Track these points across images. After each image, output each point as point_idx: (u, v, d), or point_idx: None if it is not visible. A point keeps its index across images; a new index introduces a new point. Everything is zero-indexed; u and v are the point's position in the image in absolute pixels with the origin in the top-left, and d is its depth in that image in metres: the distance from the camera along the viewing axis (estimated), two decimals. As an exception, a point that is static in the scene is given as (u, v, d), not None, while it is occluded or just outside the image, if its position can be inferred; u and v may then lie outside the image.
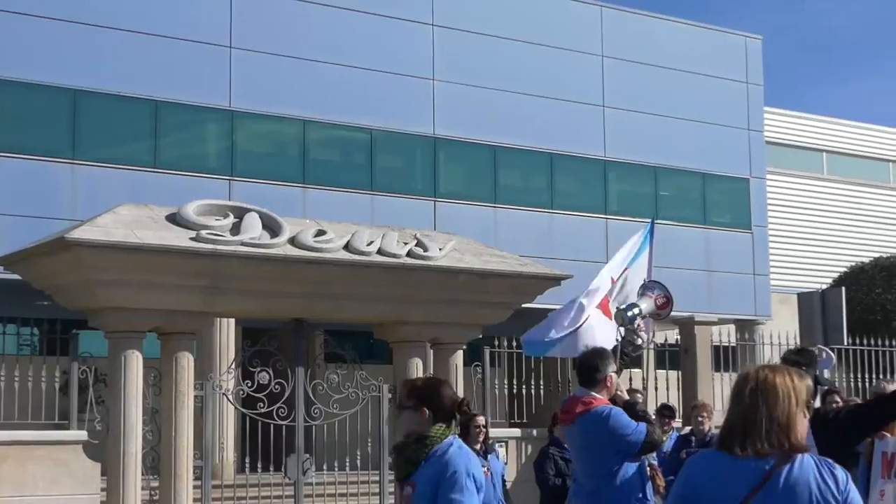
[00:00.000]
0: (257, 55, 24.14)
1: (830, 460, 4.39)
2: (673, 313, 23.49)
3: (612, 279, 10.89)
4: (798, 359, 8.31)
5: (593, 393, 8.07)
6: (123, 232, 12.84)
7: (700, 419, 12.83)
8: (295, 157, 24.92)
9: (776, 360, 20.07)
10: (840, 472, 4.35)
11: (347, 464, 15.57)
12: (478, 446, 11.66)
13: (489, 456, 11.94)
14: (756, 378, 4.50)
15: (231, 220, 13.79)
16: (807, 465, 4.34)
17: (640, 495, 8.04)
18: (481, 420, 11.95)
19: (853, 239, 38.40)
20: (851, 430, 8.18)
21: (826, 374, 18.06)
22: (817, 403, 9.04)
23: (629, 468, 8.00)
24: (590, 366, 8.21)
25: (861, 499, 4.35)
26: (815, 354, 8.55)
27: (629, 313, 9.19)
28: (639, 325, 9.12)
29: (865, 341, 20.72)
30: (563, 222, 27.47)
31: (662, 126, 29.02)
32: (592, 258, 26.35)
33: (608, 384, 8.11)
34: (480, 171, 26.99)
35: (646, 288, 9.99)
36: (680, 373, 19.08)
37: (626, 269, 10.96)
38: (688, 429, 13.60)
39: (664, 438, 12.95)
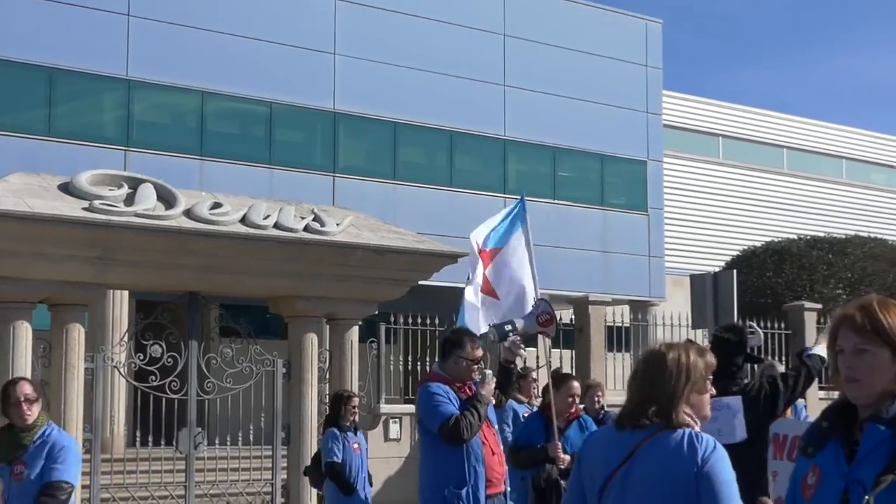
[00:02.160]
0: (156, 24, 23.83)
1: (704, 435, 4.45)
2: (568, 293, 23.63)
3: (477, 244, 10.77)
4: (729, 336, 8.36)
5: (438, 370, 8.19)
6: (13, 200, 12.60)
7: (595, 398, 12.94)
8: (193, 129, 24.67)
9: (671, 341, 20.34)
10: (704, 444, 4.35)
11: (240, 438, 15.49)
12: (348, 423, 12.23)
13: (359, 433, 12.37)
14: (650, 354, 4.59)
15: (125, 190, 13.59)
16: (675, 437, 4.39)
17: (456, 477, 7.86)
18: (356, 401, 12.66)
19: (746, 223, 39.03)
20: (766, 406, 8.32)
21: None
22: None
23: (443, 447, 7.86)
24: (444, 339, 8.37)
25: (728, 473, 4.38)
26: (745, 330, 8.59)
27: (505, 328, 9.03)
28: (514, 342, 8.90)
29: (755, 324, 21.10)
30: (463, 200, 27.53)
31: (562, 107, 29.21)
32: (490, 237, 26.39)
33: (456, 365, 8.07)
34: (380, 148, 26.95)
35: (534, 307, 9.85)
36: (574, 352, 19.24)
37: (499, 248, 10.84)
38: (581, 407, 13.71)
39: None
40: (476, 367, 8.09)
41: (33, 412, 7.19)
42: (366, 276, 15.08)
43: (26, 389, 7.31)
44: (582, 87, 29.53)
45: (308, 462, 13.65)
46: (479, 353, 8.12)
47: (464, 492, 7.80)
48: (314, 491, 14.78)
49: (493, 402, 8.20)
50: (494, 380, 8.16)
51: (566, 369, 18.86)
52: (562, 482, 9.53)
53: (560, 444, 9.67)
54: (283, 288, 14.76)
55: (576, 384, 10.44)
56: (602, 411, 12.80)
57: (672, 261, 33.12)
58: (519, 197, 11.32)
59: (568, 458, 9.46)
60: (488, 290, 10.59)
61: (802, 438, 3.77)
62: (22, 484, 7.04)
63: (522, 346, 8.73)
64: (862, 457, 3.48)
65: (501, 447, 8.24)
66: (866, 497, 3.34)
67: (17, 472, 7.07)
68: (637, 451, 4.41)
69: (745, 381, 8.65)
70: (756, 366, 10.27)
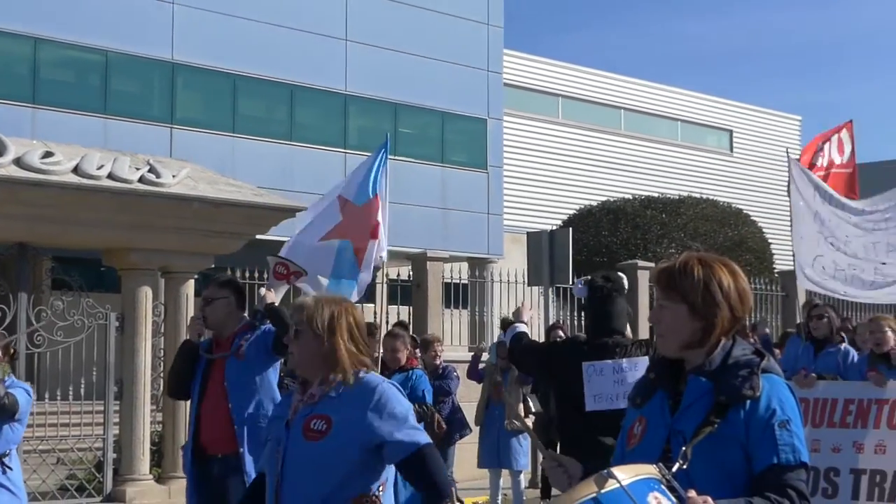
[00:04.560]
0: (-14, -33, 23.07)
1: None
2: (406, 248, 23.65)
3: (340, 196, 10.85)
4: (608, 285, 7.92)
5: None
6: None
7: (434, 353, 13.03)
8: (25, 76, 23.99)
9: (508, 298, 20.54)
10: (379, 387, 4.68)
11: (71, 393, 15.18)
12: None
13: None
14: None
15: (-48, 137, 13.20)
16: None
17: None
18: None
19: (583, 182, 39.58)
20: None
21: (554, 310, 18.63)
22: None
23: None
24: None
25: (402, 405, 4.69)
26: (622, 280, 8.23)
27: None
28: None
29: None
30: (302, 155, 27.37)
31: (404, 63, 29.19)
32: (330, 192, 26.29)
33: None
34: (219, 100, 26.59)
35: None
36: (411, 308, 19.30)
37: (378, 194, 10.94)
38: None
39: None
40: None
41: None
42: (202, 228, 14.90)
43: None
44: (424, 43, 29.53)
45: (143, 416, 13.45)
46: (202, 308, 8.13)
47: (184, 448, 8.05)
48: (147, 445, 14.61)
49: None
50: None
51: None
52: None
53: None
54: (117, 240, 14.50)
55: (398, 338, 10.57)
56: (441, 365, 12.92)
57: (510, 218, 33.45)
58: (379, 148, 11.37)
59: None
60: (376, 235, 10.72)
61: (632, 390, 3.86)
62: None
63: (270, 295, 8.64)
64: (684, 408, 3.57)
65: (231, 405, 7.69)
66: (683, 448, 3.42)
67: None
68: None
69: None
70: None
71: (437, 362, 12.95)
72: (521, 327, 7.82)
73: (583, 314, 8.81)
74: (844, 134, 14.65)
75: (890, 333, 10.07)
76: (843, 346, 10.98)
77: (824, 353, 10.91)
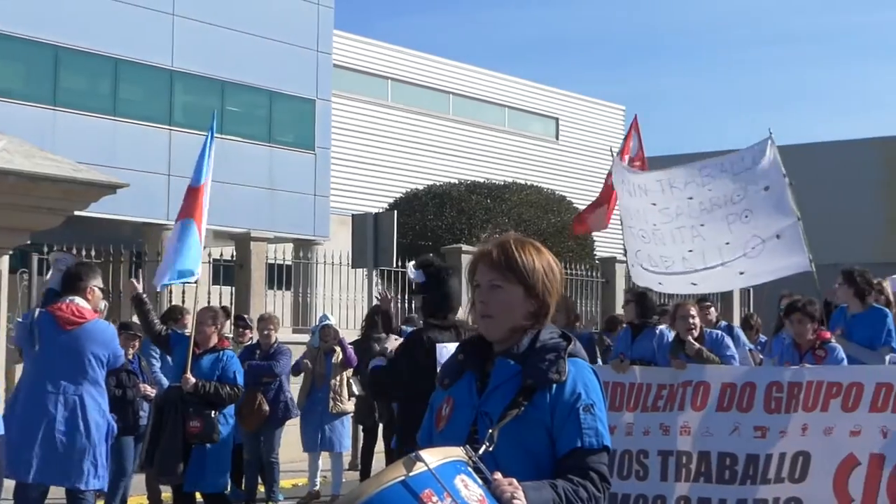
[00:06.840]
0: None
1: None
2: (230, 228, 23.43)
3: (198, 187, 10.82)
4: (446, 266, 7.99)
5: (78, 300, 8.71)
6: None
7: (267, 332, 13.07)
8: None
9: (333, 279, 20.51)
10: None
11: None
12: None
13: None
14: None
15: None
16: None
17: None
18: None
19: (411, 166, 39.71)
20: None
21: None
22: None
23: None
24: (75, 274, 8.95)
25: None
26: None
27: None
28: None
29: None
30: (126, 130, 26.85)
31: (232, 40, 28.86)
32: (154, 169, 25.97)
33: (90, 295, 8.80)
34: (40, 71, 25.89)
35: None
36: (234, 288, 19.14)
37: (206, 181, 10.86)
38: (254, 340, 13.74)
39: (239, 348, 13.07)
40: None
41: None
42: (18, 203, 14.45)
43: None
44: (253, 21, 29.23)
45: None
46: None
47: None
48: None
49: None
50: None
51: (226, 305, 18.75)
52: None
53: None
54: (-74, 214, 14.04)
55: (205, 314, 10.58)
56: (275, 343, 12.98)
57: (337, 200, 33.39)
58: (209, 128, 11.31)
59: (193, 380, 9.79)
60: (201, 220, 10.71)
61: (441, 371, 3.88)
62: None
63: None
64: (491, 390, 3.59)
65: None
66: (490, 430, 3.46)
67: None
68: None
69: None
70: None
71: (270, 340, 13.00)
72: (382, 362, 7.57)
73: (412, 296, 8.88)
74: (633, 131, 15.17)
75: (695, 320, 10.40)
76: (659, 328, 11.30)
77: (641, 336, 11.25)
